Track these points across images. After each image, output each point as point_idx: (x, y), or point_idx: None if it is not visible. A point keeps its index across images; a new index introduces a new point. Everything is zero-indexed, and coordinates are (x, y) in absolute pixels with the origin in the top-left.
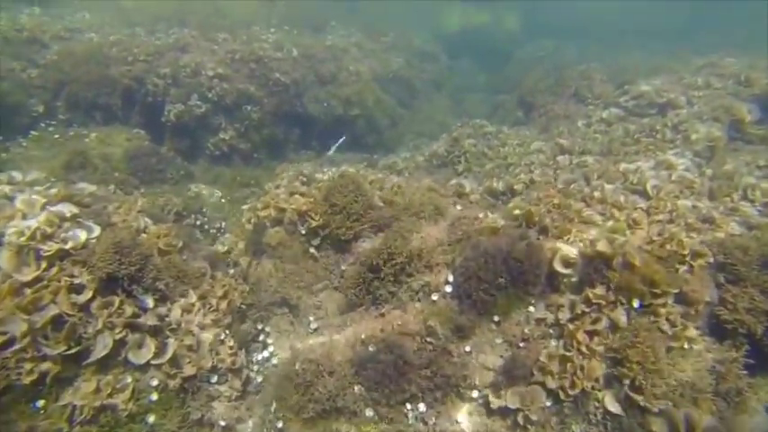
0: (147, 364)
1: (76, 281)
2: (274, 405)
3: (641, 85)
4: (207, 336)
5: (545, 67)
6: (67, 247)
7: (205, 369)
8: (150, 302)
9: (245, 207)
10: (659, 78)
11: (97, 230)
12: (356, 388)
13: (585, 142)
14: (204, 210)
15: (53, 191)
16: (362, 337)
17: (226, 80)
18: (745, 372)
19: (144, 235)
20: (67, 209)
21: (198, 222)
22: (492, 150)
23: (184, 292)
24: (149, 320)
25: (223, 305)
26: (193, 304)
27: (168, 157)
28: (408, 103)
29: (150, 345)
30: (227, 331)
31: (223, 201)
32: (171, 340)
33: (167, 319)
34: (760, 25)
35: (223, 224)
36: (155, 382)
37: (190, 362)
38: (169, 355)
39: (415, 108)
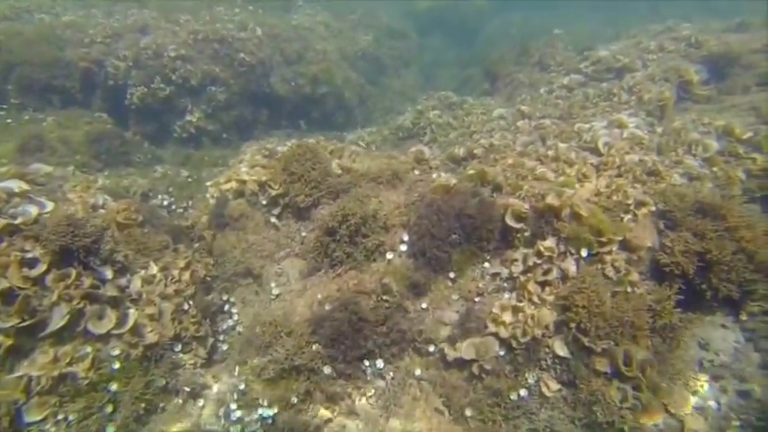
0: (108, 334)
1: (29, 255)
2: (237, 368)
3: (600, 51)
4: (168, 305)
5: (512, 38)
6: (17, 222)
7: (167, 337)
8: (109, 274)
9: (209, 183)
10: (618, 44)
11: (50, 206)
12: (314, 346)
13: (546, 107)
14: (171, 189)
15: (2, 170)
16: (319, 297)
17: (189, 61)
18: (678, 309)
19: (102, 210)
20: (16, 185)
21: (165, 203)
22: (457, 120)
23: (145, 263)
24: (109, 291)
25: (185, 276)
26: (155, 275)
27: (134, 140)
28: (377, 81)
29: (111, 315)
30: (191, 302)
31: (190, 180)
32: (131, 310)
33: (128, 290)
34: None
35: (190, 203)
36: (116, 351)
37: (152, 330)
38: (130, 324)
39: (384, 85)
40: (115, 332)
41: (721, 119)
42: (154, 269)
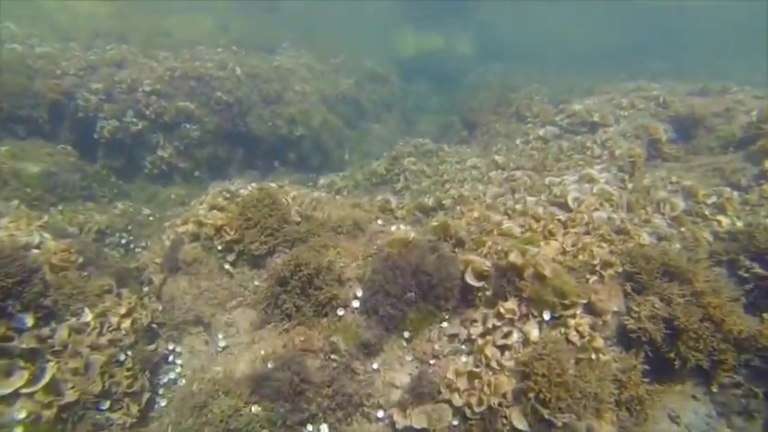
0: (16, 393)
1: None
2: (170, 429)
3: (574, 105)
4: (99, 357)
5: (492, 88)
6: None
7: (92, 394)
8: (29, 321)
9: (167, 224)
10: (592, 99)
11: None
12: (253, 408)
13: (521, 158)
14: (130, 228)
15: None
16: (262, 353)
17: (164, 97)
18: (646, 379)
19: (36, 250)
20: None
21: (122, 241)
22: (431, 168)
23: (78, 310)
24: (24, 343)
25: (125, 324)
26: (88, 323)
27: (100, 175)
28: (356, 124)
29: (23, 371)
30: (129, 352)
31: (151, 219)
32: (50, 364)
33: (51, 340)
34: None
35: (148, 243)
36: (21, 415)
37: (73, 387)
38: (45, 380)
39: (364, 129)
40: (25, 391)
41: (688, 178)
42: (88, 316)
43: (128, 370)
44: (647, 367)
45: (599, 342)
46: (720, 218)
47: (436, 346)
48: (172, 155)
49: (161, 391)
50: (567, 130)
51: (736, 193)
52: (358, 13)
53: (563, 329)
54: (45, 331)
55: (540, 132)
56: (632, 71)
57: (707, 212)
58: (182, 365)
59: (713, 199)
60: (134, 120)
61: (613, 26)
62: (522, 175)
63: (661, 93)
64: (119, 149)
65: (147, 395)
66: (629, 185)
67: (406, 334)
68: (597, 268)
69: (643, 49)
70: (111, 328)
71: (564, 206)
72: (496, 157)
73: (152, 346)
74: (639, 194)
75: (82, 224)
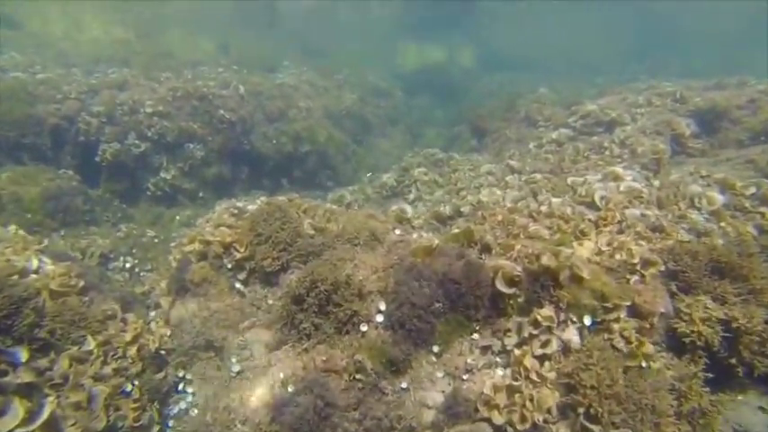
0: None
1: None
2: None
3: (587, 105)
4: (103, 389)
5: (499, 96)
6: None
7: (95, 431)
8: (23, 355)
9: (173, 244)
10: (605, 99)
11: None
12: None
13: (536, 162)
14: (134, 251)
15: None
16: (281, 377)
17: (166, 118)
18: (706, 388)
19: (33, 276)
20: None
21: (127, 264)
22: (443, 177)
23: (80, 338)
24: (21, 378)
25: (131, 351)
26: (91, 352)
27: (103, 198)
28: (362, 139)
29: (18, 408)
30: (136, 382)
31: (156, 241)
32: (48, 399)
33: (50, 372)
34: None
35: (154, 265)
36: None
37: (74, 423)
38: (44, 418)
39: (370, 144)
40: (20, 430)
41: (718, 172)
42: (90, 344)
43: (134, 401)
44: (708, 375)
45: (648, 348)
46: (764, 209)
47: (469, 360)
48: (175, 176)
49: (171, 423)
50: (581, 132)
51: None
52: (358, 28)
53: (606, 335)
54: (43, 363)
55: (554, 135)
56: (637, 74)
57: (747, 205)
58: (193, 394)
59: (752, 190)
60: (136, 142)
61: (617, 32)
62: (541, 177)
63: (676, 88)
64: (121, 172)
65: (156, 428)
66: (656, 182)
67: (436, 348)
68: (637, 267)
69: (646, 54)
70: (116, 356)
71: (591, 205)
72: (511, 162)
73: (161, 374)
74: (669, 190)
75: (84, 249)
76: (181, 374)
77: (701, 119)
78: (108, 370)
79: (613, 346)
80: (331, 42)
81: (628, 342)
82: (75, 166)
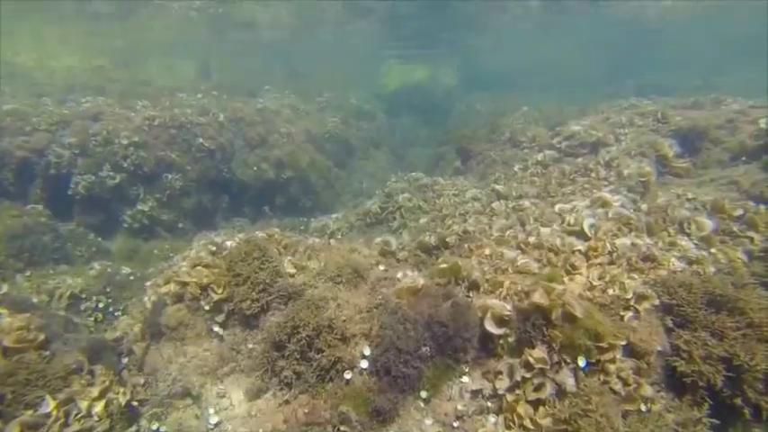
0: None
1: None
2: None
3: (571, 126)
4: None
5: (482, 116)
6: None
7: None
8: None
9: (148, 284)
10: (588, 119)
11: None
12: None
13: (522, 186)
14: (108, 290)
15: None
16: None
17: (143, 147)
18: None
19: None
20: None
21: (100, 305)
22: (428, 203)
23: (37, 399)
24: None
25: (98, 407)
26: (49, 415)
27: (76, 233)
28: (346, 163)
29: None
30: None
31: (132, 278)
32: None
33: None
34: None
35: (128, 306)
36: None
37: None
38: None
39: (354, 167)
40: None
41: (703, 194)
42: (48, 406)
43: None
44: (715, 421)
45: (647, 390)
46: (752, 234)
47: (459, 406)
48: (153, 207)
49: None
50: (566, 153)
51: (763, 207)
52: (341, 50)
53: (602, 377)
54: None
55: (539, 157)
56: (617, 90)
57: (735, 229)
58: None
59: (739, 212)
60: (111, 173)
61: (597, 50)
62: (529, 204)
63: (657, 108)
64: (96, 205)
65: None
66: (643, 206)
67: (424, 394)
68: (631, 303)
69: (626, 70)
70: (79, 416)
71: (580, 234)
72: (497, 187)
73: (132, 429)
74: (658, 215)
75: (52, 290)
76: (155, 427)
77: (683, 138)
78: None
79: (611, 389)
80: (313, 65)
81: (625, 384)
82: (45, 200)
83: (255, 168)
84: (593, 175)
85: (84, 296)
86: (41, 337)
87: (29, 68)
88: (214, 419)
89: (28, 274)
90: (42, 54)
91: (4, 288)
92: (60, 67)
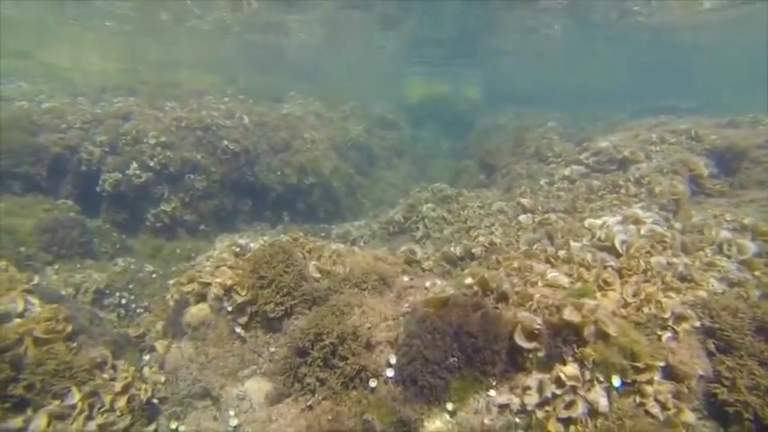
0: None
1: None
2: None
3: (600, 142)
4: None
5: (506, 130)
6: None
7: None
8: None
9: (170, 282)
10: (616, 135)
11: None
12: None
13: (548, 200)
14: (131, 286)
15: None
16: None
17: (169, 148)
18: None
19: (17, 320)
20: None
21: (123, 301)
22: (452, 214)
23: (63, 390)
24: None
25: (121, 402)
26: (74, 406)
27: (102, 229)
28: (368, 171)
29: None
30: None
31: (154, 276)
32: None
33: None
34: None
35: (150, 303)
36: None
37: None
38: None
39: (376, 176)
40: None
41: (744, 215)
42: (75, 397)
43: None
44: None
45: (688, 416)
46: None
47: (486, 420)
48: (176, 207)
49: None
50: (594, 169)
51: None
52: (363, 63)
53: (638, 398)
54: (16, 422)
55: (566, 172)
56: (641, 110)
57: None
58: None
59: None
60: (137, 172)
61: (621, 68)
62: (556, 218)
63: (690, 126)
64: (122, 203)
65: None
66: (676, 225)
67: (450, 406)
68: (669, 323)
69: (651, 89)
70: (102, 410)
71: (611, 250)
72: (522, 200)
73: (151, 427)
74: (693, 235)
75: (79, 284)
76: (174, 426)
77: (720, 158)
78: (93, 426)
79: (647, 412)
80: (338, 76)
81: (664, 408)
82: (75, 196)
83: (279, 173)
84: (622, 191)
85: (107, 291)
86: (69, 328)
87: (65, 69)
88: (234, 422)
89: (56, 266)
90: (79, 58)
91: (36, 279)
92: (95, 70)
